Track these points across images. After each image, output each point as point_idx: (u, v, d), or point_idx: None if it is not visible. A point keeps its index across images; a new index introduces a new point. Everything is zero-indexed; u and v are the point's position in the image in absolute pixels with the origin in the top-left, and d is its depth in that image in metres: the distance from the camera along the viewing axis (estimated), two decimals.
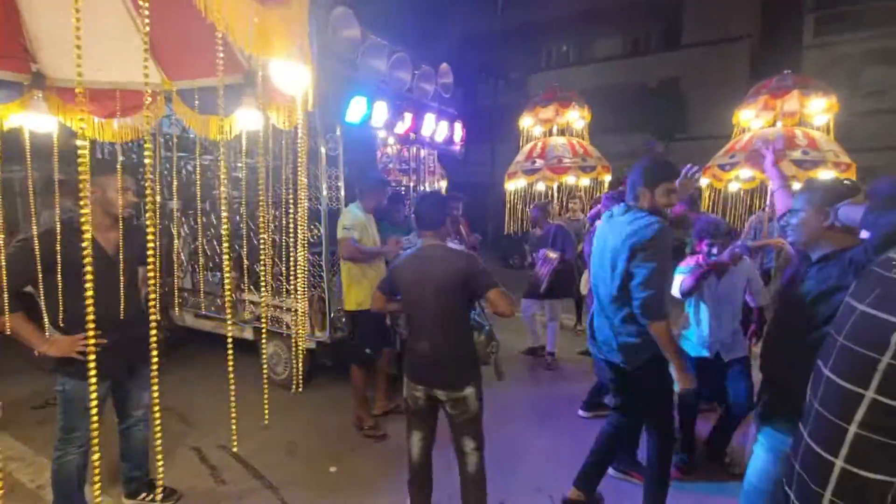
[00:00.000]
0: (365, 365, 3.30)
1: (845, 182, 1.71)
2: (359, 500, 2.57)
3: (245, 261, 3.69)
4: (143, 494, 2.46)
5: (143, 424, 2.43)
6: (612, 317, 2.19)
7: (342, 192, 3.57)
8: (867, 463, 1.01)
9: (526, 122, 6.51)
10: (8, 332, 1.90)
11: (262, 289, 3.62)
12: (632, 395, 2.34)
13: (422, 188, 5.00)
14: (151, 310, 1.00)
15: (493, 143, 13.71)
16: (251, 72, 1.44)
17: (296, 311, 1.95)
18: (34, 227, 1.86)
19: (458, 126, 4.50)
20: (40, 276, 1.80)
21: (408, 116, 3.73)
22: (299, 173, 1.68)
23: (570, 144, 5.92)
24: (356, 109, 3.28)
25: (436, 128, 4.22)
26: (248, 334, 4.11)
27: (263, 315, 3.76)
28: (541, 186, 6.43)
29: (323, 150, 3.39)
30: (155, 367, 1.12)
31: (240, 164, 3.91)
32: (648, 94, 15.70)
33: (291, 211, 1.91)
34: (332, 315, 3.57)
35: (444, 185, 8.17)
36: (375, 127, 3.52)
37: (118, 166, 1.85)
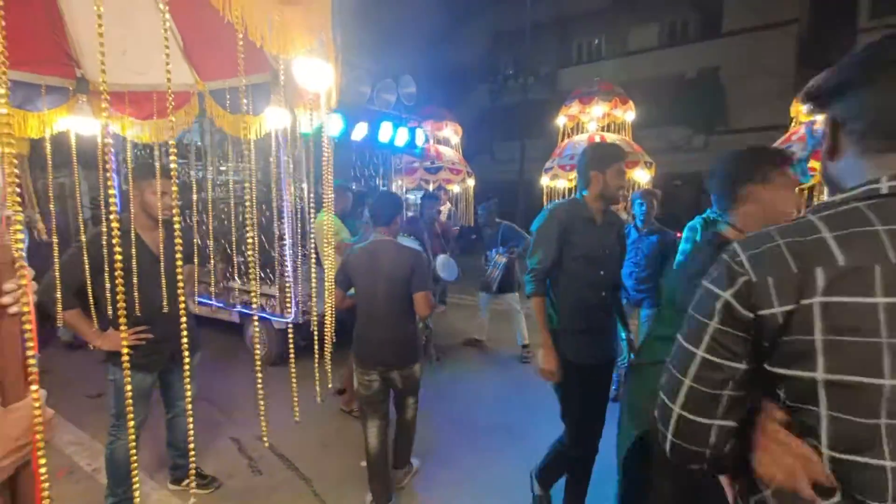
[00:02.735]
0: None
1: None
2: None
3: (229, 252, 4.29)
4: (187, 482, 2.57)
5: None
6: None
7: (306, 193, 4.09)
8: None
9: (560, 120, 6.44)
10: (62, 325, 2.03)
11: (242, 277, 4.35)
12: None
13: (396, 189, 5.65)
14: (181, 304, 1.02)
15: (523, 140, 13.52)
16: (277, 70, 1.47)
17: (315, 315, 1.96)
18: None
19: (419, 132, 5.03)
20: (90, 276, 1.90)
21: (362, 126, 4.10)
22: (326, 176, 1.70)
23: (591, 139, 5.82)
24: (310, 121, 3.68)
25: (394, 134, 4.65)
26: (235, 318, 4.72)
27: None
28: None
29: (286, 157, 3.92)
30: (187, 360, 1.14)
31: (223, 168, 4.53)
32: (686, 85, 15.07)
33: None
34: (297, 299, 4.05)
35: (471, 183, 8.15)
36: (331, 136, 3.88)
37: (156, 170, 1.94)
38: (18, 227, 0.84)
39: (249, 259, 2.02)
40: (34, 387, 0.87)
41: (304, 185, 4.03)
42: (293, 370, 1.56)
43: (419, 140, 5.03)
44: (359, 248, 2.38)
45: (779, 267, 0.66)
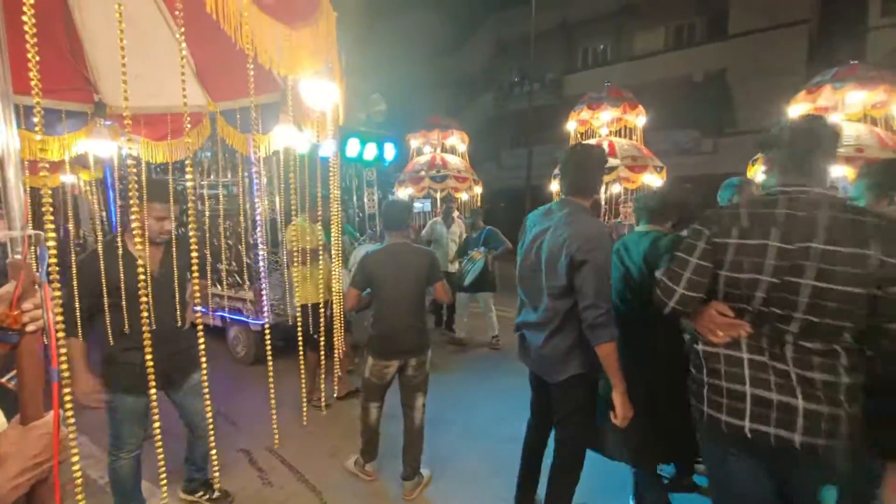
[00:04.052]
0: (316, 350, 3.67)
1: None
2: None
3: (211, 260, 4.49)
4: (200, 493, 2.59)
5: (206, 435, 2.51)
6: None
7: (277, 206, 4.44)
8: None
9: (571, 125, 6.45)
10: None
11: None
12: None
13: (367, 199, 6.15)
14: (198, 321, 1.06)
15: (531, 147, 13.54)
16: (286, 90, 1.52)
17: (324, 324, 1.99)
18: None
19: (388, 146, 5.47)
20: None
21: (330, 142, 4.38)
22: (333, 191, 1.74)
23: (598, 145, 5.85)
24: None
25: (362, 150, 5.07)
26: (218, 322, 5.03)
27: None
28: (616, 188, 6.40)
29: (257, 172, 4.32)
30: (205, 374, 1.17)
31: (203, 183, 4.94)
32: (694, 88, 14.99)
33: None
34: (269, 303, 4.40)
35: (478, 191, 8.18)
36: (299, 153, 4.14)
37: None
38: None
39: (258, 264, 2.05)
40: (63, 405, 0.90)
41: (276, 198, 4.35)
42: (303, 380, 1.59)
43: (388, 155, 5.52)
44: (376, 250, 2.61)
45: (721, 224, 1.41)
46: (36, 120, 0.77)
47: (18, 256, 0.98)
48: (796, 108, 4.35)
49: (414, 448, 2.67)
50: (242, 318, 4.62)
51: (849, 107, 4.08)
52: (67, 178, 3.49)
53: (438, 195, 8.10)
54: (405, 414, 2.68)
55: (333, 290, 2.04)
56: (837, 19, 12.95)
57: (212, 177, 4.66)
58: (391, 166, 6.10)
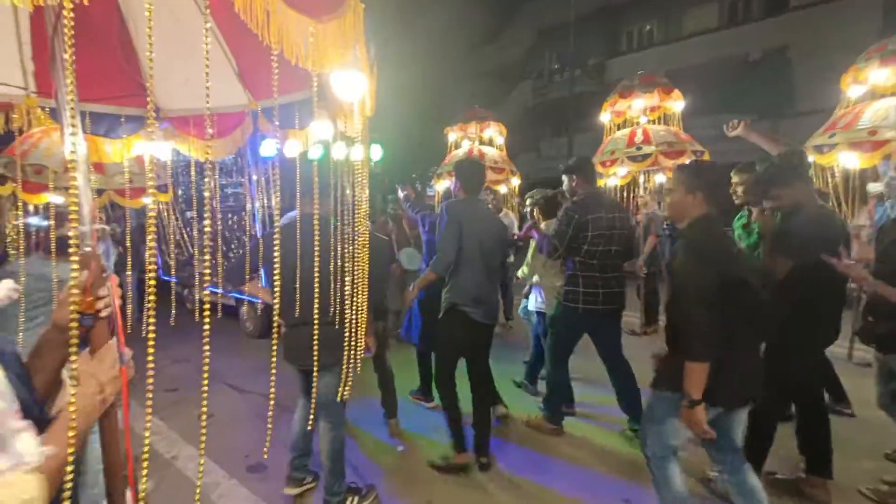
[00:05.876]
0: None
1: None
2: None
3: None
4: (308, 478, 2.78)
5: None
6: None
7: (274, 202, 4.78)
8: None
9: (605, 116, 6.20)
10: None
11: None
12: None
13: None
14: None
15: (571, 135, 13.19)
16: (321, 84, 1.57)
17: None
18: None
19: (375, 147, 6.10)
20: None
21: (317, 146, 4.70)
22: (359, 189, 1.81)
23: (632, 133, 5.55)
24: (268, 147, 4.41)
25: (348, 152, 5.49)
26: (231, 301, 6.02)
27: None
28: (660, 178, 6.22)
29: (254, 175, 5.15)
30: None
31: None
32: (749, 67, 14.02)
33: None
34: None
35: (516, 182, 8.06)
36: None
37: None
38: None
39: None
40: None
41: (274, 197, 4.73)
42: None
43: (375, 155, 6.06)
44: None
45: (580, 209, 3.15)
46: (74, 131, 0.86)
47: (89, 249, 1.09)
48: (853, 90, 3.97)
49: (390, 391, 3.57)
50: (249, 297, 5.18)
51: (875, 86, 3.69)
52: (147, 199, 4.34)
53: None
54: (378, 366, 3.55)
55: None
56: None
57: (232, 177, 5.35)
58: (377, 166, 6.99)
